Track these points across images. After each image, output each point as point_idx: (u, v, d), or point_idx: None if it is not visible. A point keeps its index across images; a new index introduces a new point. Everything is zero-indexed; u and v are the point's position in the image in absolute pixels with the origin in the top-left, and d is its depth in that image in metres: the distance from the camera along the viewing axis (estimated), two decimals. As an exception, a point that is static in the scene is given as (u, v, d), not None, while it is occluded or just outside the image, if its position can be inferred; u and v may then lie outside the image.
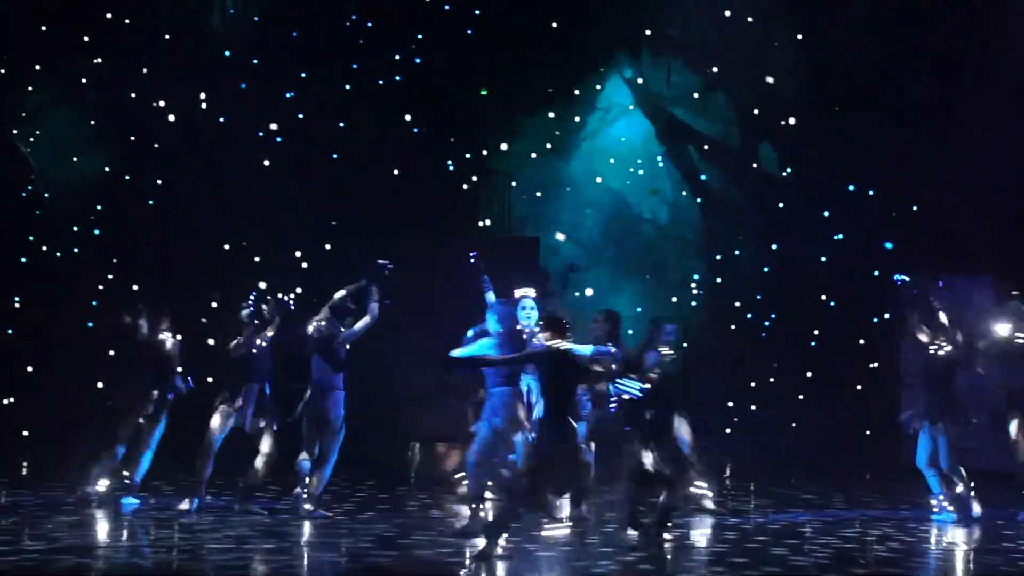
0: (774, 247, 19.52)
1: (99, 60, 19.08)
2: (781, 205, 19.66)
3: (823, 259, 19.21)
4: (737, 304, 19.39)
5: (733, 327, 19.34)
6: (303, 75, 19.50)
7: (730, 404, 19.04)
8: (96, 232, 19.23)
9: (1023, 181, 18.72)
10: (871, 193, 19.13)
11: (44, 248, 19.28)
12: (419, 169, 19.52)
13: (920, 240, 19.06)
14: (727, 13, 19.41)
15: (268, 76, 19.43)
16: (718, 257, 19.96)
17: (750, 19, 19.23)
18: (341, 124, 19.44)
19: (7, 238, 19.25)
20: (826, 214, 19.24)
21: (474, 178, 19.87)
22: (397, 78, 19.59)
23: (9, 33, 18.87)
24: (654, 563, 11.75)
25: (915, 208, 19.15)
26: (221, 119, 19.15)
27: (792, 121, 19.41)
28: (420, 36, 19.54)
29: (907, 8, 19.20)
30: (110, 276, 19.01)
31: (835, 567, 11.87)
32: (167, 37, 19.31)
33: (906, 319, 14.69)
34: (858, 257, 18.94)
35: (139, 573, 11.10)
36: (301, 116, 19.29)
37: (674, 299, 19.50)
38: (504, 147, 19.62)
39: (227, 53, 19.57)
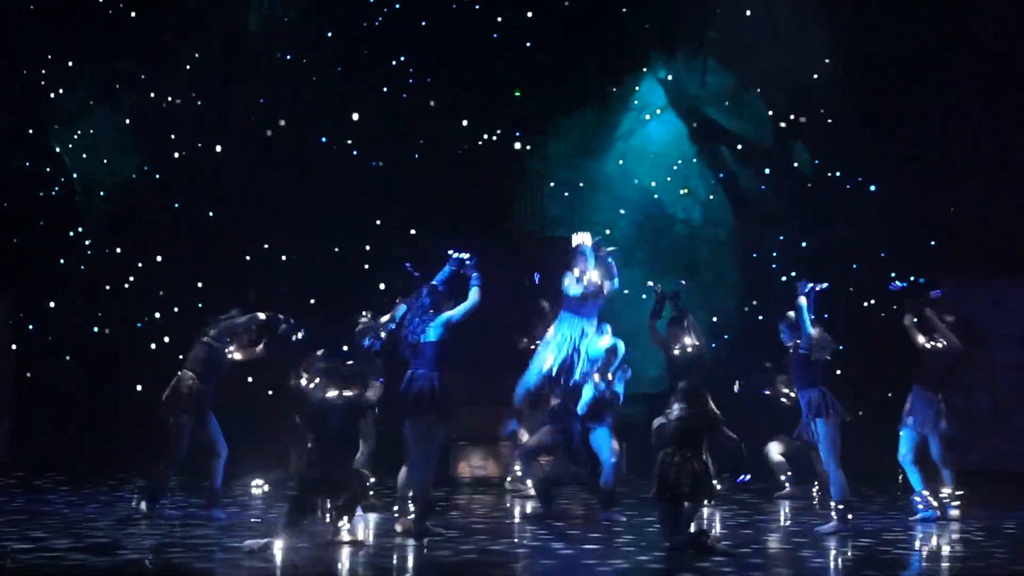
0: (803, 244, 19.45)
1: (131, 60, 19.17)
2: (814, 207, 19.59)
3: (855, 267, 19.13)
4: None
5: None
6: (339, 69, 19.55)
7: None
8: (131, 233, 19.33)
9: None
10: (905, 193, 19.03)
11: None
12: (453, 169, 19.53)
13: (961, 242, 18.92)
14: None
15: (302, 76, 19.49)
16: (754, 255, 19.88)
17: (785, 19, 19.17)
18: (379, 119, 19.46)
19: (47, 239, 19.39)
20: (859, 214, 19.17)
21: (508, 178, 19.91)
22: (429, 79, 19.60)
23: (44, 34, 19.04)
24: (667, 563, 11.73)
25: (953, 209, 19.01)
26: (255, 120, 19.29)
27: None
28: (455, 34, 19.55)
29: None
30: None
31: (853, 570, 11.79)
32: (202, 38, 19.41)
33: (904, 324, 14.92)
34: (891, 257, 18.80)
35: (147, 572, 11.18)
36: (336, 117, 19.34)
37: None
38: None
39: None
